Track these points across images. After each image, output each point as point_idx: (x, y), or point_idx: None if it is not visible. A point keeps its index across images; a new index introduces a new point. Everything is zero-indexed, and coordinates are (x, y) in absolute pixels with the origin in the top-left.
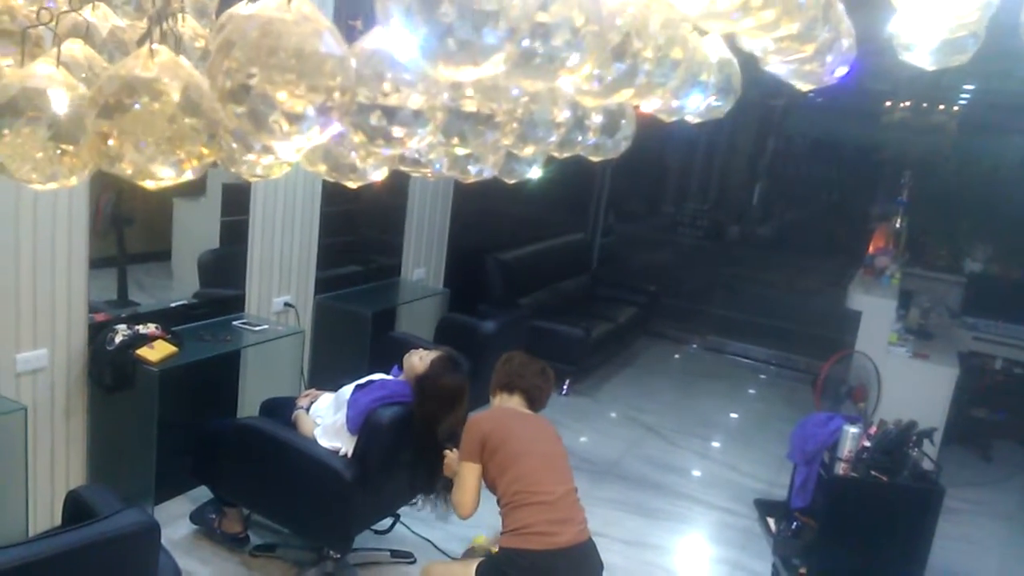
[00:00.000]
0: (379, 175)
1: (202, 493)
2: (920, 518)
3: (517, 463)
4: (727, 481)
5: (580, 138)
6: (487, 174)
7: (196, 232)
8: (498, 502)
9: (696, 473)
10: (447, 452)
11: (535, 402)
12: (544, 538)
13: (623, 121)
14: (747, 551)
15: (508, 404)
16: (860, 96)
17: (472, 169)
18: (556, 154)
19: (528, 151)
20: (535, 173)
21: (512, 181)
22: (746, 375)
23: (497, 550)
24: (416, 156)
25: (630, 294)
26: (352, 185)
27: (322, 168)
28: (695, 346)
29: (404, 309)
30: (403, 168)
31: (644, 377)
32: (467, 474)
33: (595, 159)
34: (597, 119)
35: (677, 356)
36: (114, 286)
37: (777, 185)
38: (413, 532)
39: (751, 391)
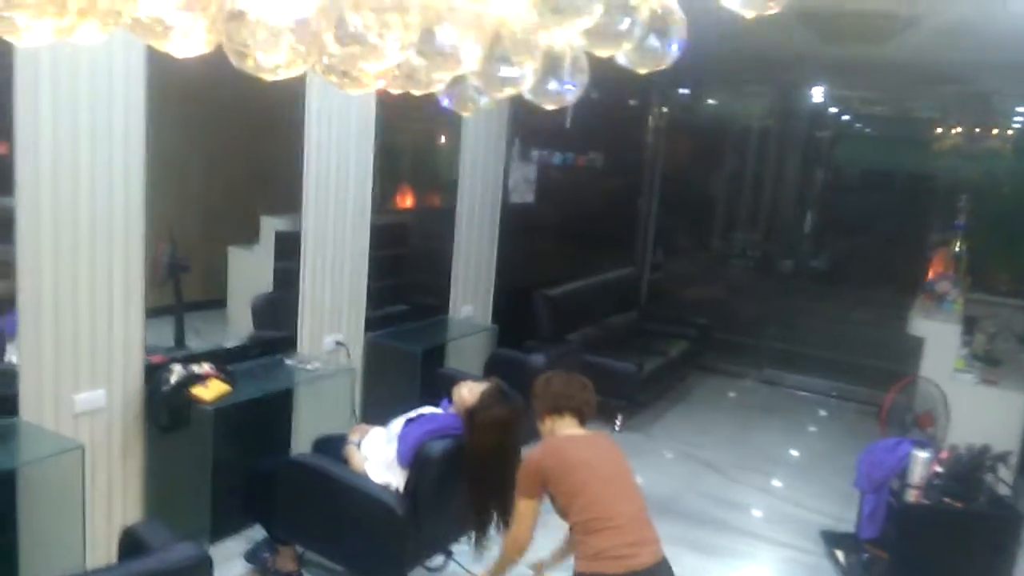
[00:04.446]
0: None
1: (258, 532)
2: (999, 546)
3: (584, 491)
4: (791, 517)
5: (624, 26)
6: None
7: (251, 278)
8: (570, 529)
9: (757, 509)
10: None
11: (585, 417)
12: (623, 561)
13: (673, 27)
14: None
15: (560, 428)
16: (909, 124)
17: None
18: (595, 50)
19: (560, 23)
20: (572, 95)
21: (550, 105)
22: (805, 408)
23: (573, 574)
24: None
25: (681, 328)
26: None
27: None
28: (750, 381)
29: (452, 346)
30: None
31: (699, 412)
32: (525, 511)
33: (642, 70)
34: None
35: (732, 390)
36: (171, 333)
37: (828, 217)
38: (466, 570)
39: (812, 424)
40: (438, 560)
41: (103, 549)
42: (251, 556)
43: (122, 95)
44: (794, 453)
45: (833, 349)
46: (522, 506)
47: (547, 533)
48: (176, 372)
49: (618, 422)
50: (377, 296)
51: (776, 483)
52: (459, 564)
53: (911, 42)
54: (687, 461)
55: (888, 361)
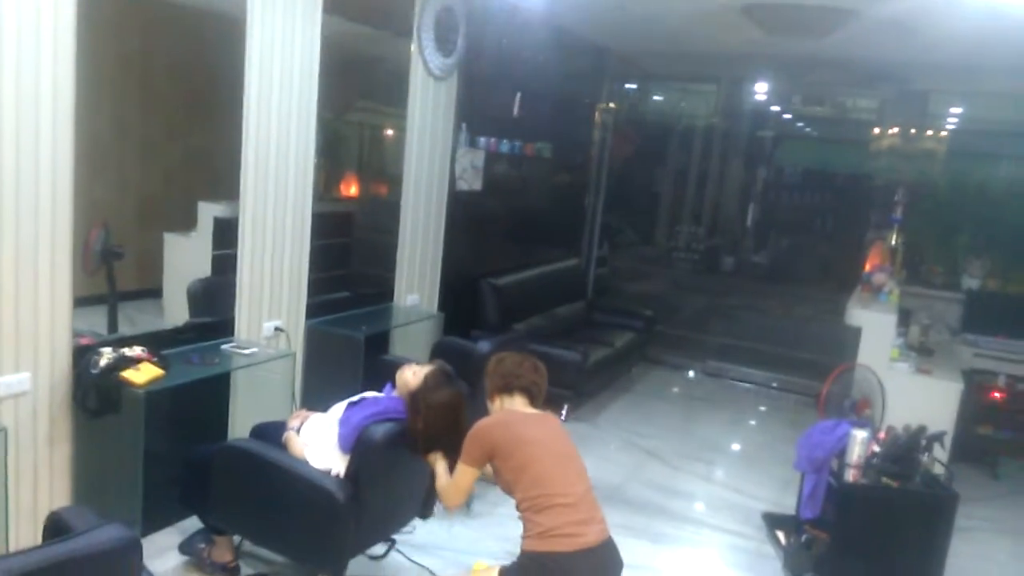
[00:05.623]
0: None
1: (192, 524)
2: (934, 525)
3: (532, 467)
4: (733, 504)
5: None
6: None
7: (188, 267)
8: (517, 506)
9: (700, 496)
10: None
11: (535, 398)
12: (571, 539)
13: None
14: (756, 572)
15: (510, 406)
16: (847, 126)
17: None
18: None
19: None
20: None
21: None
22: (747, 399)
23: (520, 554)
24: None
25: (627, 319)
26: None
27: None
28: (693, 374)
29: (398, 333)
30: None
31: (644, 402)
32: (465, 476)
33: None
34: None
35: (676, 381)
36: (104, 323)
37: (770, 215)
38: (410, 560)
39: (753, 414)
40: (380, 549)
41: (29, 537)
42: (186, 547)
43: (49, 68)
44: (736, 442)
45: (773, 343)
46: (462, 472)
47: (500, 522)
48: (106, 355)
49: (564, 411)
50: (319, 283)
51: (718, 471)
52: (401, 553)
53: (852, 38)
54: (632, 450)
55: (826, 355)
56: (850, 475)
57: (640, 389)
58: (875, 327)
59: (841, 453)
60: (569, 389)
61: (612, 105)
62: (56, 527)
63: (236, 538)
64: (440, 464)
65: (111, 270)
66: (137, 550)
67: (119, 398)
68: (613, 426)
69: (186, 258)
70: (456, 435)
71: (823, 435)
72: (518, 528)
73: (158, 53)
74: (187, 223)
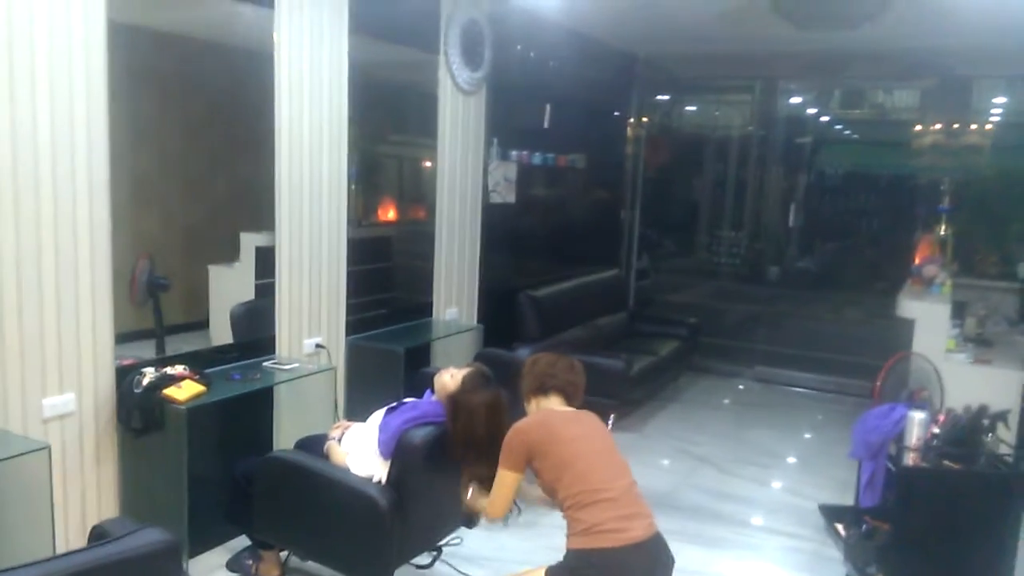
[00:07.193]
0: None
1: (240, 543)
2: (1003, 508)
3: (573, 464)
4: (790, 506)
5: None
6: None
7: (232, 296)
8: (560, 506)
9: (756, 500)
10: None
11: (572, 398)
12: (617, 535)
13: None
14: (816, 573)
15: (546, 406)
16: (887, 126)
17: None
18: None
19: None
20: None
21: None
22: (801, 403)
23: (565, 552)
24: None
25: (671, 328)
26: None
27: None
28: (742, 383)
29: (438, 346)
30: None
31: (692, 410)
32: (507, 481)
33: None
34: None
35: (726, 388)
36: (153, 355)
37: (813, 220)
38: (456, 570)
39: (807, 418)
40: (426, 559)
41: None
42: (233, 564)
43: (83, 102)
44: (790, 446)
45: (825, 348)
46: (503, 477)
47: (548, 532)
48: (148, 374)
49: (610, 421)
50: (360, 305)
51: (774, 475)
52: (448, 564)
53: (884, 29)
54: (682, 457)
55: (880, 356)
56: (909, 459)
57: (688, 397)
58: (929, 318)
59: (899, 437)
60: (613, 398)
61: (644, 119)
62: (99, 538)
63: (283, 554)
64: (471, 490)
65: (157, 302)
66: (177, 553)
67: (163, 415)
68: (662, 434)
69: (230, 288)
70: (496, 437)
71: (878, 419)
72: None
73: (197, 92)
74: (231, 254)
